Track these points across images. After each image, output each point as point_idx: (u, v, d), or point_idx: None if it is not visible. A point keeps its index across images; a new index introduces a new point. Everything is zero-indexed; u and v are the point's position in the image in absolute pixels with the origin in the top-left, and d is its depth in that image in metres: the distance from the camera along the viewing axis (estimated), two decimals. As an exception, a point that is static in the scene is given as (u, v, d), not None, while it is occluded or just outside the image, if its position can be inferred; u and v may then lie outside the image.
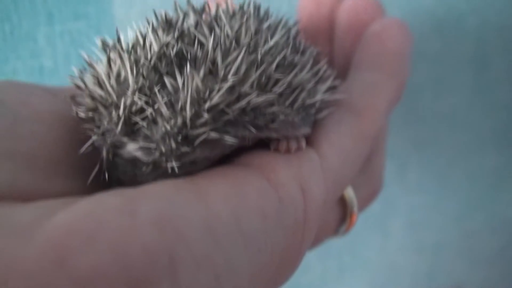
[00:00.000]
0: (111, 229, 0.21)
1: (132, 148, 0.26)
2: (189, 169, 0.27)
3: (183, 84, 0.26)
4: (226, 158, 0.29)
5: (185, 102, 0.26)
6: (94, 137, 0.27)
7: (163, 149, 0.26)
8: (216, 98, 0.26)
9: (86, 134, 0.28)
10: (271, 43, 0.29)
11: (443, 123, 0.58)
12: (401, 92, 0.38)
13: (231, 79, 0.26)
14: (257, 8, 0.32)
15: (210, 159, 0.28)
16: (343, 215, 0.40)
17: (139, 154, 0.27)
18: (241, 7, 0.31)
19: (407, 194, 0.61)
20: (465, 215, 0.62)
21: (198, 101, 0.26)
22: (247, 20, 0.29)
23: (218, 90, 0.26)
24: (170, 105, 0.26)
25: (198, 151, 0.27)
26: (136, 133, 0.26)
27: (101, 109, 0.27)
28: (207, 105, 0.26)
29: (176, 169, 0.27)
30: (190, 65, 0.26)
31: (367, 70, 0.37)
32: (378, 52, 0.37)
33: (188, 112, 0.26)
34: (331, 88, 0.33)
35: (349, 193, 0.39)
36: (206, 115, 0.26)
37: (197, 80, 0.26)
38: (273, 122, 0.28)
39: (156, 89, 0.26)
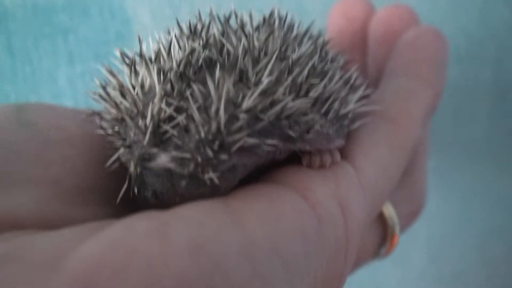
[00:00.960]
0: (142, 258, 0.18)
1: (163, 159, 0.23)
2: (228, 180, 0.24)
3: (215, 88, 0.23)
4: (255, 175, 0.26)
5: (219, 106, 0.23)
6: (120, 151, 0.24)
7: (199, 159, 0.23)
8: (250, 102, 0.23)
9: (112, 150, 0.25)
10: (301, 51, 0.26)
11: (462, 151, 0.55)
12: (437, 101, 0.34)
13: (265, 81, 0.23)
14: (282, 19, 0.29)
15: (247, 168, 0.25)
16: (383, 236, 0.36)
17: (172, 165, 0.23)
18: (265, 18, 0.28)
19: (427, 223, 0.57)
20: (485, 243, 0.59)
21: (233, 104, 0.23)
22: (273, 31, 0.26)
23: (251, 94, 0.23)
24: (203, 110, 0.23)
25: (235, 159, 0.24)
26: (166, 143, 0.23)
27: (127, 119, 0.24)
28: (241, 109, 0.23)
29: (216, 180, 0.23)
30: (220, 69, 0.23)
31: (401, 77, 0.33)
32: (413, 58, 0.34)
33: (223, 117, 0.22)
34: (364, 97, 0.30)
35: (389, 211, 0.36)
36: (241, 119, 0.23)
37: (229, 85, 0.23)
38: (308, 132, 0.25)
39: (188, 93, 0.23)
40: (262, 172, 0.27)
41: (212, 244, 0.20)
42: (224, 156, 0.23)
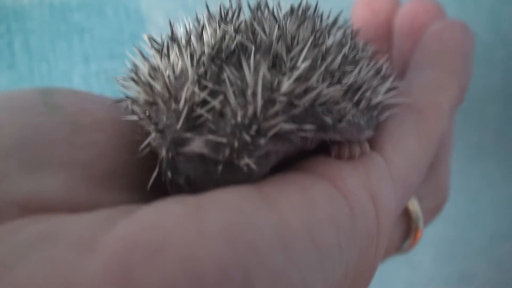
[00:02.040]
0: (178, 240, 0.18)
1: (197, 144, 0.22)
2: (262, 168, 0.23)
3: (251, 72, 0.22)
4: (283, 165, 0.26)
5: (256, 90, 0.22)
6: (152, 135, 0.23)
7: (236, 144, 0.22)
8: (286, 86, 0.22)
9: (143, 135, 0.24)
10: (332, 39, 0.25)
11: (470, 154, 0.54)
12: (463, 93, 0.34)
13: (301, 67, 0.22)
14: (311, 9, 0.28)
15: (279, 156, 0.24)
16: (407, 230, 0.36)
17: (206, 150, 0.22)
18: (293, 8, 0.28)
19: (434, 226, 0.55)
20: (493, 245, 0.58)
21: (268, 89, 0.22)
22: (304, 19, 0.26)
23: (288, 79, 0.22)
24: (239, 94, 0.22)
25: (270, 145, 0.23)
26: (200, 127, 0.22)
27: (160, 103, 0.23)
28: (278, 93, 0.22)
29: (253, 165, 0.22)
30: (255, 54, 0.23)
31: (427, 69, 0.33)
32: (439, 50, 0.33)
33: (260, 101, 0.22)
34: (392, 89, 0.29)
35: (414, 205, 0.35)
36: (278, 104, 0.22)
37: (264, 69, 0.22)
38: (340, 121, 0.24)
39: (225, 75, 0.22)
40: (290, 162, 0.26)
41: (248, 229, 0.19)
42: (261, 142, 0.22)
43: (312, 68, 0.23)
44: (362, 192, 0.24)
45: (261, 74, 0.22)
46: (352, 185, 0.24)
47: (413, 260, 0.58)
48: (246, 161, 0.22)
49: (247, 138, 0.22)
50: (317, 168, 0.25)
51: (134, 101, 0.25)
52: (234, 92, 0.22)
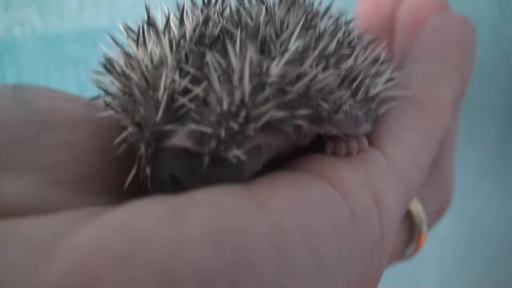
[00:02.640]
0: (153, 244, 0.15)
1: (180, 137, 0.19)
2: (253, 163, 0.21)
3: (237, 55, 0.20)
4: (275, 164, 0.23)
5: (243, 74, 0.19)
6: (128, 130, 0.21)
7: (223, 134, 0.19)
8: (276, 70, 0.20)
9: (119, 131, 0.21)
10: (325, 23, 0.23)
11: (472, 173, 0.53)
12: (465, 87, 0.32)
13: (292, 48, 0.20)
14: None
15: (271, 151, 0.22)
16: (409, 234, 0.33)
17: (190, 144, 0.19)
18: None
19: (438, 244, 0.56)
20: (497, 264, 0.57)
21: (256, 75, 0.20)
22: (294, 2, 0.23)
23: (278, 62, 0.20)
24: (225, 79, 0.19)
25: (261, 137, 0.20)
26: (182, 118, 0.20)
27: (136, 92, 0.20)
28: (268, 75, 0.20)
29: (243, 157, 0.20)
30: (241, 37, 0.20)
31: (427, 61, 0.31)
32: (440, 43, 0.31)
33: (247, 86, 0.19)
34: (390, 80, 0.27)
35: (417, 207, 0.32)
36: (268, 88, 0.19)
37: (252, 53, 0.19)
38: (336, 112, 0.22)
39: (208, 58, 0.20)
40: (283, 161, 0.23)
41: (236, 232, 0.17)
42: (250, 130, 0.19)
43: (304, 51, 0.21)
44: (363, 192, 0.22)
45: (248, 57, 0.19)
46: (352, 184, 0.22)
47: (417, 280, 0.57)
48: (235, 152, 0.19)
49: (235, 126, 0.19)
50: (312, 166, 0.23)
51: (109, 94, 0.22)
52: (219, 77, 0.19)
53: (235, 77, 0.19)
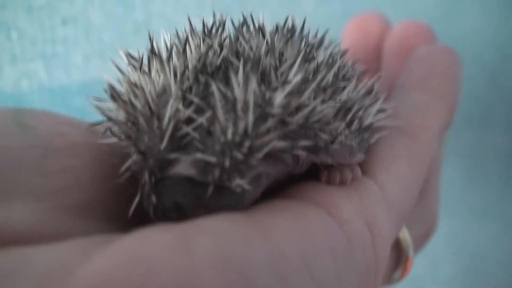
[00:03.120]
0: (164, 273, 0.16)
1: (184, 165, 0.20)
2: (252, 191, 0.21)
3: (240, 86, 0.20)
4: (270, 192, 0.23)
5: (247, 104, 0.20)
6: (132, 157, 0.21)
7: (227, 164, 0.19)
8: (278, 100, 0.20)
9: (123, 158, 0.21)
10: (323, 55, 0.24)
11: (473, 213, 0.53)
12: (452, 116, 0.32)
13: (293, 81, 0.20)
14: (296, 27, 0.26)
15: (269, 179, 0.22)
16: (396, 259, 0.33)
17: (194, 172, 0.19)
18: (278, 25, 0.26)
19: (439, 286, 0.55)
20: None
21: (260, 105, 0.20)
22: (293, 34, 0.24)
23: (281, 93, 0.20)
24: (230, 108, 0.20)
25: (262, 166, 0.21)
26: (186, 147, 0.20)
27: (141, 121, 0.21)
28: (269, 109, 0.20)
29: (247, 186, 0.20)
30: (244, 67, 0.21)
31: (414, 91, 0.31)
32: (427, 73, 0.32)
33: (251, 117, 0.19)
34: (382, 110, 0.28)
35: (404, 233, 0.33)
36: (270, 120, 0.20)
37: (254, 84, 0.20)
38: (332, 143, 0.23)
39: (213, 89, 0.20)
40: (278, 189, 0.24)
41: (241, 258, 0.17)
42: (254, 160, 0.20)
43: (304, 83, 0.21)
44: (358, 220, 0.23)
45: (251, 88, 0.20)
46: (347, 212, 0.22)
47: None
48: (238, 182, 0.20)
49: (239, 156, 0.19)
50: (308, 194, 0.23)
51: (112, 120, 0.22)
52: (222, 107, 0.20)
53: (239, 107, 0.20)
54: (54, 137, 0.21)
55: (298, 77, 0.21)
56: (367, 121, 0.25)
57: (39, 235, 0.19)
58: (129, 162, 0.21)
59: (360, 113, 0.25)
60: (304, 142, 0.21)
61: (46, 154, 0.21)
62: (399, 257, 0.33)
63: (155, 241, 0.17)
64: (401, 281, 0.34)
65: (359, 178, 0.25)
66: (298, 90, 0.21)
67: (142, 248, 0.16)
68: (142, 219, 0.20)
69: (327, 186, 0.24)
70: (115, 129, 0.22)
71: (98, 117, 0.23)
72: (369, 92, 0.27)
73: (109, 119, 0.22)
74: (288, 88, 0.20)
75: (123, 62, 0.23)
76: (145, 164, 0.20)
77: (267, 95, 0.20)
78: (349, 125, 0.24)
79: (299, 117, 0.21)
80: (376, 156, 0.27)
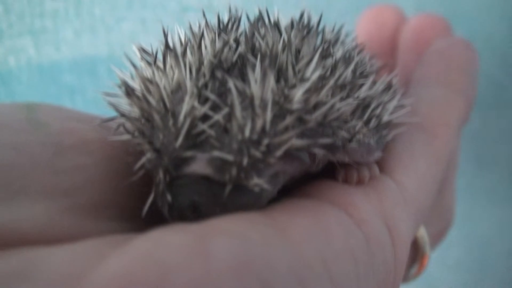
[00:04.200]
0: (180, 277, 0.15)
1: (200, 164, 0.19)
2: (272, 189, 0.20)
3: (257, 82, 0.19)
4: (288, 189, 0.22)
5: (265, 102, 0.19)
6: (147, 155, 0.20)
7: (245, 162, 0.19)
8: (297, 97, 0.19)
9: (136, 157, 0.21)
10: (341, 51, 0.23)
11: (483, 197, 0.52)
12: (469, 111, 0.32)
13: (312, 77, 0.20)
14: (312, 22, 0.25)
15: (286, 178, 0.21)
16: (413, 256, 0.33)
17: (210, 171, 0.19)
18: (294, 20, 0.25)
19: (448, 271, 0.54)
20: None
21: (277, 102, 0.19)
22: (310, 30, 0.23)
23: (299, 91, 0.19)
24: (248, 105, 0.19)
25: (280, 164, 0.20)
26: (201, 145, 0.19)
27: (156, 118, 0.20)
28: (287, 106, 0.19)
29: (265, 185, 0.19)
30: (261, 64, 0.20)
31: (432, 86, 0.31)
32: (444, 68, 0.31)
33: (269, 114, 0.19)
34: (400, 107, 0.27)
35: (420, 229, 0.32)
36: (288, 117, 0.19)
37: (272, 79, 0.19)
38: (350, 141, 0.22)
39: (230, 85, 0.19)
40: (294, 187, 0.23)
41: (259, 262, 0.16)
42: (272, 159, 0.19)
43: (321, 80, 0.20)
44: (377, 220, 0.22)
45: (268, 84, 0.19)
46: (365, 212, 0.22)
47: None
48: (256, 181, 0.19)
49: (258, 154, 0.19)
50: (325, 193, 0.22)
51: (125, 117, 0.21)
52: (240, 104, 0.19)
53: (257, 104, 0.19)
54: (66, 134, 0.21)
55: (316, 74, 0.20)
56: (386, 118, 0.25)
57: (50, 235, 0.18)
58: (143, 160, 0.20)
59: (379, 110, 0.24)
60: (322, 140, 0.20)
61: (58, 152, 0.20)
62: (415, 254, 0.33)
63: (171, 243, 0.16)
64: (418, 277, 0.34)
65: (377, 177, 0.25)
66: (316, 87, 0.20)
67: (157, 251, 0.16)
68: (156, 218, 0.20)
69: (344, 185, 0.23)
70: (129, 125, 0.21)
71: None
72: (387, 88, 0.26)
73: (122, 115, 0.21)
74: (306, 85, 0.19)
75: (136, 57, 0.23)
76: (160, 162, 0.20)
77: (285, 92, 0.19)
78: (367, 122, 0.23)
79: (317, 114, 0.20)
80: (394, 154, 0.26)
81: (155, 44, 0.22)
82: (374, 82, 0.24)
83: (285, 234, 0.18)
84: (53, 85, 0.43)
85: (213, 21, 0.23)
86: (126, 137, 0.21)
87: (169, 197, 0.19)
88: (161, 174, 0.19)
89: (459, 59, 0.32)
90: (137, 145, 0.21)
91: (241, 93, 0.19)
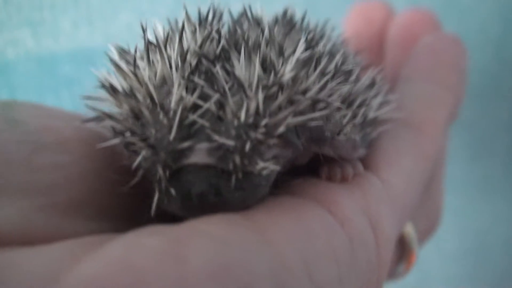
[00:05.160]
0: (155, 282, 0.14)
1: (200, 154, 0.18)
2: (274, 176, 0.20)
3: (243, 67, 0.19)
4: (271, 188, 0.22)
5: (254, 81, 0.18)
6: (142, 154, 0.19)
7: (247, 146, 0.18)
8: (286, 75, 0.19)
9: (131, 159, 0.20)
10: (324, 45, 0.23)
11: (478, 188, 0.52)
12: (458, 108, 0.31)
13: (298, 53, 0.19)
14: (294, 20, 0.25)
15: (284, 162, 0.21)
16: (400, 253, 0.32)
17: (212, 160, 0.18)
18: (278, 17, 0.24)
19: (443, 263, 0.54)
20: (503, 282, 0.55)
21: (267, 83, 0.19)
22: (293, 26, 0.22)
23: (284, 68, 0.19)
24: (237, 90, 0.19)
25: (277, 149, 0.20)
26: (196, 134, 0.19)
27: (145, 114, 0.19)
28: (277, 84, 0.19)
29: (273, 166, 0.19)
30: (245, 51, 0.19)
31: (420, 82, 0.30)
32: (433, 64, 0.31)
33: (260, 94, 0.18)
34: (385, 103, 0.26)
35: (408, 227, 0.32)
36: (280, 96, 0.19)
37: (257, 63, 0.19)
38: (338, 134, 0.22)
39: (217, 68, 0.19)
40: (276, 186, 0.22)
41: (238, 267, 0.16)
42: (272, 140, 0.19)
43: (307, 67, 0.20)
44: (360, 218, 0.21)
45: (255, 67, 0.19)
46: (349, 210, 0.21)
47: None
48: (262, 165, 0.19)
49: (260, 136, 0.18)
50: (308, 190, 0.22)
51: (112, 118, 0.21)
52: (230, 89, 0.19)
53: (246, 86, 0.18)
54: (45, 132, 0.20)
55: (304, 53, 0.20)
56: (371, 114, 0.24)
57: (26, 235, 0.18)
58: (139, 159, 0.19)
59: (364, 106, 0.23)
60: (318, 113, 0.20)
61: (36, 150, 0.20)
62: (403, 251, 0.32)
63: (145, 247, 0.16)
64: (406, 274, 0.33)
65: (362, 174, 0.24)
66: (302, 75, 0.20)
67: (131, 255, 0.15)
68: (138, 217, 0.19)
69: (328, 183, 0.23)
70: (118, 126, 0.20)
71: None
72: (372, 84, 0.26)
73: (109, 117, 0.21)
74: (293, 60, 0.19)
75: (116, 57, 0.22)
76: (157, 158, 0.19)
77: (272, 72, 0.19)
78: (353, 117, 0.23)
79: (308, 96, 0.20)
80: (380, 150, 0.26)
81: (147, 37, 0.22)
82: (359, 78, 0.24)
83: (265, 236, 0.18)
84: (52, 76, 0.43)
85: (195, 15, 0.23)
86: (115, 140, 0.20)
87: (173, 192, 0.19)
88: (160, 170, 0.19)
89: (448, 55, 0.31)
90: (130, 145, 0.20)
91: (229, 78, 0.19)
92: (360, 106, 0.23)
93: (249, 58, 0.19)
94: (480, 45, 0.47)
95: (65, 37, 0.43)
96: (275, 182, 0.21)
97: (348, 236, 0.20)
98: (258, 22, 0.22)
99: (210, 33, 0.21)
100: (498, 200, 0.52)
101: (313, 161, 0.23)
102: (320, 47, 0.22)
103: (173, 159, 0.19)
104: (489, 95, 0.48)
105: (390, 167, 0.25)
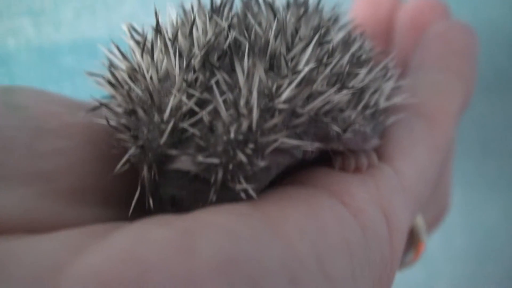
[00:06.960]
0: (162, 277, 0.14)
1: (186, 163, 0.18)
2: (260, 182, 0.19)
3: (245, 77, 0.18)
4: (280, 176, 0.21)
5: (251, 99, 0.18)
6: (130, 151, 0.19)
7: (230, 165, 0.18)
8: (287, 93, 0.18)
9: (120, 149, 0.20)
10: (339, 36, 0.22)
11: (489, 186, 0.51)
12: (469, 97, 0.30)
13: (305, 69, 0.18)
14: (310, 3, 0.24)
15: (279, 168, 0.20)
16: (408, 243, 0.32)
17: (195, 169, 0.18)
18: (290, 2, 0.24)
19: (451, 260, 0.53)
20: (510, 281, 0.54)
21: (266, 97, 0.18)
22: (305, 12, 0.21)
23: (289, 84, 0.18)
24: (232, 104, 0.18)
25: (270, 159, 0.19)
26: (186, 142, 0.18)
27: (140, 112, 0.19)
28: (279, 100, 0.18)
29: (252, 193, 0.18)
30: (249, 55, 0.18)
31: (432, 70, 0.29)
32: (444, 52, 0.30)
33: (255, 112, 0.17)
34: (396, 89, 0.26)
35: (417, 218, 0.31)
36: (277, 114, 0.18)
37: (261, 73, 0.18)
38: (345, 131, 0.21)
39: (213, 82, 0.18)
40: (287, 173, 0.22)
41: (248, 261, 0.15)
42: (259, 162, 0.18)
43: (316, 69, 0.19)
44: (374, 209, 0.21)
45: (256, 79, 0.18)
46: (362, 201, 0.21)
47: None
48: (243, 186, 0.18)
49: (243, 158, 0.18)
50: (320, 180, 0.21)
51: (109, 108, 0.20)
52: (225, 101, 0.18)
53: (242, 102, 0.18)
54: (46, 118, 0.20)
55: (309, 66, 0.18)
56: (382, 103, 0.23)
57: (30, 222, 0.18)
58: (128, 155, 0.19)
59: (375, 96, 0.23)
60: (314, 137, 0.19)
61: (38, 136, 0.19)
62: (411, 240, 0.32)
63: (153, 239, 0.15)
64: (414, 264, 0.33)
65: (375, 164, 0.23)
66: (309, 79, 0.19)
67: (138, 247, 0.15)
68: (142, 203, 0.19)
69: (341, 173, 0.22)
70: (113, 116, 0.20)
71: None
72: (383, 74, 0.25)
73: (106, 106, 0.20)
74: (298, 78, 0.18)
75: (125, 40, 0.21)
76: (144, 158, 0.19)
77: (275, 85, 0.18)
78: (363, 111, 0.22)
79: (309, 108, 0.19)
80: (393, 141, 0.25)
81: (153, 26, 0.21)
82: (371, 70, 0.23)
83: (276, 228, 0.17)
84: (53, 66, 0.42)
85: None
86: (112, 122, 0.20)
87: (153, 190, 0.19)
88: (145, 170, 0.19)
89: (460, 43, 0.31)
90: (121, 140, 0.20)
91: (227, 88, 0.18)
92: (370, 97, 0.22)
93: (253, 63, 0.18)
94: (489, 39, 0.46)
95: (67, 26, 0.42)
96: (286, 170, 0.21)
97: (361, 227, 0.20)
98: (269, 6, 0.21)
99: (219, 30, 0.20)
100: (507, 198, 0.51)
101: (326, 151, 0.22)
102: (334, 39, 0.21)
103: (160, 162, 0.18)
104: (500, 91, 0.47)
105: (404, 157, 0.24)
